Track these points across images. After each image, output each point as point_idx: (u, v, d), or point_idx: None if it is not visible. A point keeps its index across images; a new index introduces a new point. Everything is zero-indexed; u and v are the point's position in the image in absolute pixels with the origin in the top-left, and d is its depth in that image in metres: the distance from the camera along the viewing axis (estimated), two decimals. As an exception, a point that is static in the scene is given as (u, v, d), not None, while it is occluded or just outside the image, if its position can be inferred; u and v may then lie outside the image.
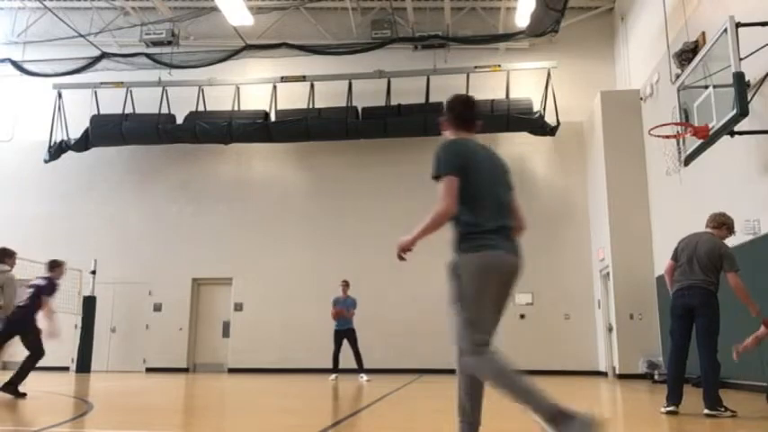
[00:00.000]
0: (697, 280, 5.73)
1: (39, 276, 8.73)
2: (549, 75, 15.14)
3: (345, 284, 12.70)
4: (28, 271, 14.95)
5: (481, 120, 3.82)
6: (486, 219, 3.30)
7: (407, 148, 16.16)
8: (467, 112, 3.75)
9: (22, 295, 7.90)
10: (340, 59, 15.93)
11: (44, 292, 8.33)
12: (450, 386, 9.94)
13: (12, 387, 7.65)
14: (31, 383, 10.64)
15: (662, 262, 12.40)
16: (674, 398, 5.69)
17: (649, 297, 12.67)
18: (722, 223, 6.09)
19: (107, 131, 16.40)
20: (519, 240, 3.43)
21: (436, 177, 3.34)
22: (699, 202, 10.44)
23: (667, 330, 6.06)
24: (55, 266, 8.72)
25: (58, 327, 8.39)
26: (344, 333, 12.23)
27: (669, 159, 10.62)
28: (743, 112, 7.32)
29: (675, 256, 6.05)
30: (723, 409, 5.50)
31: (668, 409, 5.67)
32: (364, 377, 11.61)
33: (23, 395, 7.59)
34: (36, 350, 8.10)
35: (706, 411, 5.53)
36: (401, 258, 3.55)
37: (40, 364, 15.35)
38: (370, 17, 16.76)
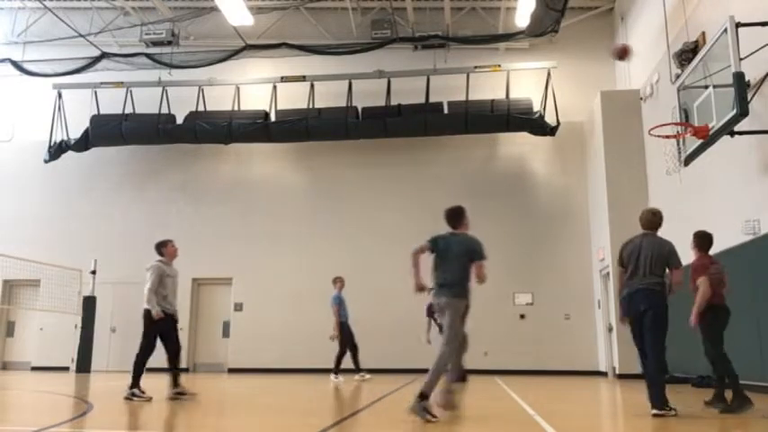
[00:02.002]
0: (646, 281, 5.71)
1: None
2: (548, 75, 15.14)
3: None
4: (27, 271, 14.99)
5: (466, 221, 6.12)
6: (434, 277, 5.71)
7: (407, 148, 16.18)
8: (450, 219, 6.05)
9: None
10: (340, 59, 15.93)
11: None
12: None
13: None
14: (31, 383, 10.66)
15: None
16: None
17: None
18: (660, 220, 6.07)
19: (107, 131, 16.40)
20: (452, 289, 5.59)
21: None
22: (699, 202, 10.44)
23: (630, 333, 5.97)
24: None
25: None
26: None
27: (669, 159, 10.63)
28: (743, 112, 7.32)
29: (622, 262, 5.99)
30: (669, 409, 5.47)
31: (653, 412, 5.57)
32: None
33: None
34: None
35: (654, 412, 5.47)
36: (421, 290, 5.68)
37: (41, 363, 15.42)
38: (370, 17, 16.76)
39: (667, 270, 5.77)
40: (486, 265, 5.66)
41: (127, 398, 7.11)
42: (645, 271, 5.72)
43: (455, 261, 5.64)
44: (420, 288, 5.63)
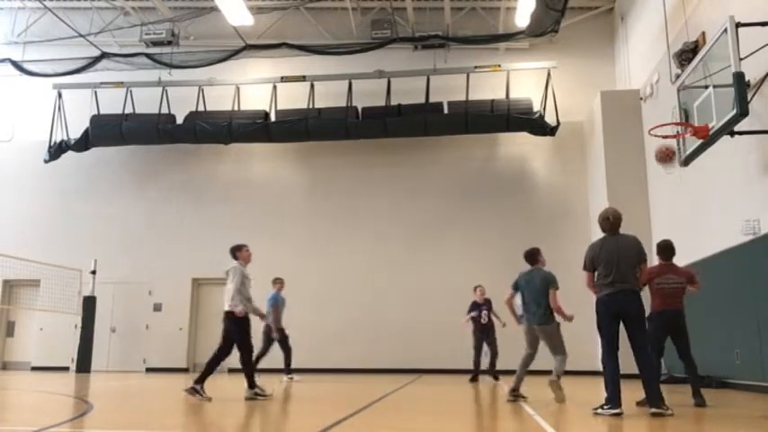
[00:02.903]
0: (628, 284, 5.75)
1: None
2: (548, 75, 15.14)
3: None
4: (27, 271, 14.99)
5: (542, 258, 7.55)
6: (524, 308, 7.36)
7: (407, 148, 16.18)
8: (528, 258, 7.62)
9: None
10: (340, 59, 15.93)
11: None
12: (449, 386, 9.92)
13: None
14: (31, 383, 10.66)
15: (662, 262, 12.39)
16: (620, 400, 5.63)
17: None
18: (620, 220, 6.07)
19: (107, 131, 16.40)
20: (540, 318, 7.13)
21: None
22: (699, 202, 10.44)
23: (603, 332, 6.00)
24: None
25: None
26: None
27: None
28: (743, 112, 7.31)
29: (592, 266, 5.97)
30: (666, 408, 5.49)
31: (616, 411, 5.54)
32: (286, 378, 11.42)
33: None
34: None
35: (654, 410, 5.46)
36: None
37: (41, 363, 15.39)
38: (370, 17, 16.76)
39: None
40: (557, 294, 6.94)
41: (249, 398, 7.33)
42: (625, 272, 5.76)
43: (537, 292, 7.03)
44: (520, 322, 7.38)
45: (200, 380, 7.28)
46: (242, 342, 7.47)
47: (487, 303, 11.21)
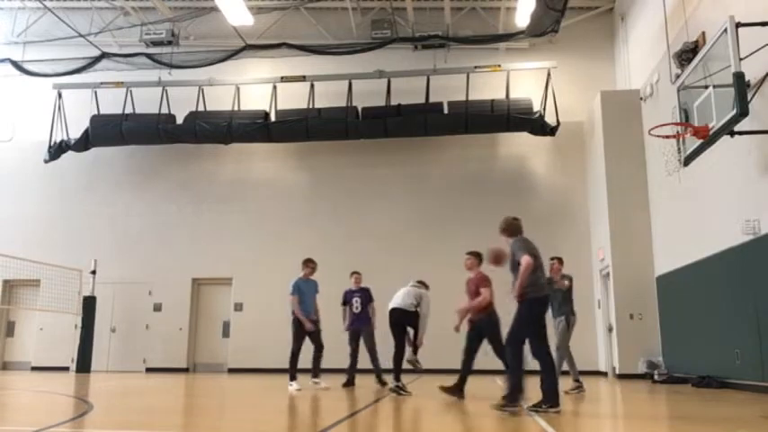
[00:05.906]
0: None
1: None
2: (548, 75, 15.14)
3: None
4: (27, 271, 14.99)
5: None
6: None
7: (407, 148, 16.18)
8: None
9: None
10: (340, 59, 15.93)
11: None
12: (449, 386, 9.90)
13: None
14: (31, 383, 10.66)
15: (662, 262, 12.43)
16: None
17: (649, 297, 12.68)
18: None
19: (107, 131, 16.41)
20: None
21: None
22: (699, 202, 10.44)
23: (540, 332, 5.83)
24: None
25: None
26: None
27: (669, 159, 10.63)
28: (743, 112, 7.32)
29: (534, 254, 5.96)
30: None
31: (559, 409, 5.66)
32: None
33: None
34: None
35: (555, 410, 5.60)
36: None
37: (41, 363, 15.34)
38: (370, 17, 16.76)
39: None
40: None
41: (392, 390, 8.40)
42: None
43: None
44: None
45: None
46: (400, 342, 8.85)
47: (363, 291, 10.35)
